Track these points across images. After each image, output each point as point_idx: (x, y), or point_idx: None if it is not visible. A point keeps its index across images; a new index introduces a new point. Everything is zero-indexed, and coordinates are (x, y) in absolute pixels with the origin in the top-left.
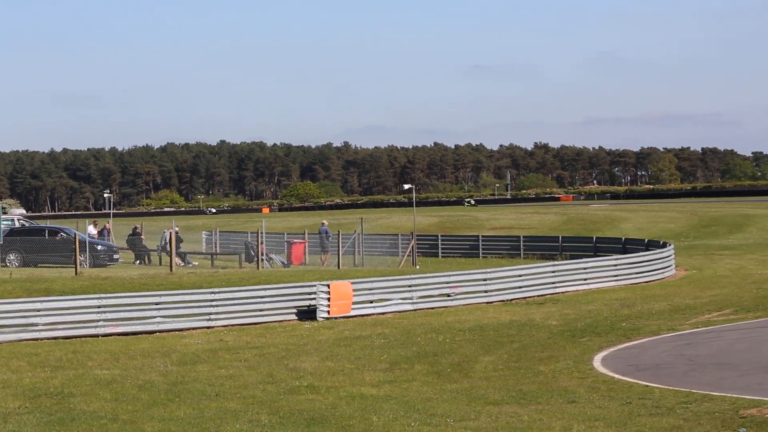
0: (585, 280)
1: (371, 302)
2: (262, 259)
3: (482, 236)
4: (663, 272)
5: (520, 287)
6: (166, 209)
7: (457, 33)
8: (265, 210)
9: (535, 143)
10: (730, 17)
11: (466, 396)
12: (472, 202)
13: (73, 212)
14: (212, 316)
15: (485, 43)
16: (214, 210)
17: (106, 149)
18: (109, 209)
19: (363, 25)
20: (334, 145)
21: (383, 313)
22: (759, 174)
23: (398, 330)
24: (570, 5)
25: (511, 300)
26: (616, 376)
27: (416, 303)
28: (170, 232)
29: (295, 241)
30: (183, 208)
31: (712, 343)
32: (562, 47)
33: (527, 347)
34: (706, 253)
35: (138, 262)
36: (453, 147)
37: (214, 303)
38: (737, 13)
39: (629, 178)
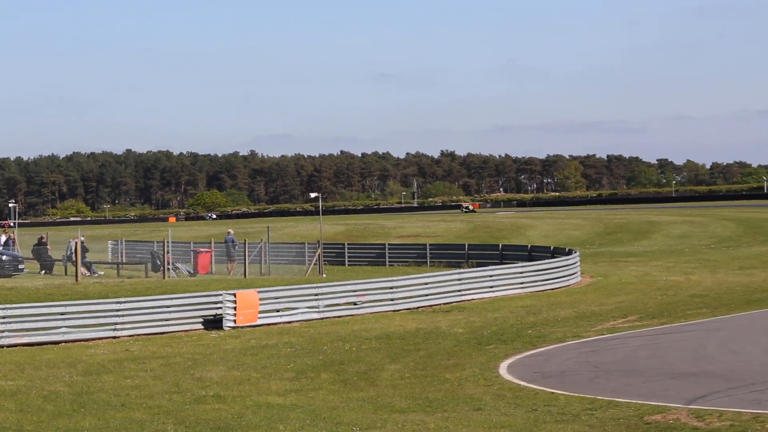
0: (491, 287)
1: (278, 311)
2: (168, 269)
3: (389, 244)
4: (568, 279)
5: (427, 295)
6: (72, 219)
7: (364, 41)
8: (172, 219)
9: (442, 151)
10: (635, 25)
11: (373, 404)
12: (470, 207)
13: None
14: (118, 326)
15: (392, 51)
16: (215, 216)
17: (11, 159)
18: (15, 219)
19: (269, 33)
20: (240, 154)
21: (290, 322)
22: (664, 181)
23: (305, 339)
24: (477, 13)
25: (418, 308)
26: (522, 383)
27: (323, 311)
28: (75, 242)
29: (202, 250)
30: (89, 218)
31: (617, 349)
32: (469, 55)
33: (433, 355)
34: (612, 260)
35: (44, 272)
36: (360, 155)
37: (119, 313)
38: (641, 22)
39: (535, 185)
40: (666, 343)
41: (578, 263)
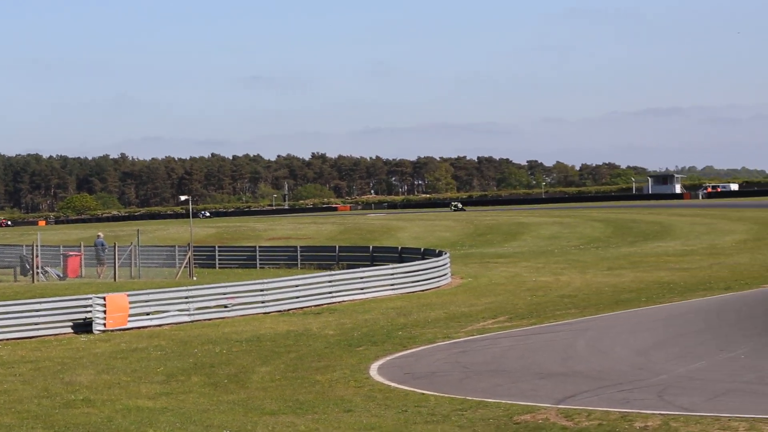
0: (362, 289)
1: (148, 314)
2: (38, 273)
3: (260, 247)
4: (439, 281)
5: (297, 297)
6: None
7: (235, 44)
8: (42, 223)
9: (313, 153)
10: (506, 28)
11: (243, 407)
12: (460, 206)
13: None
14: None
15: (264, 54)
16: (208, 213)
17: None
18: None
19: (140, 34)
20: (111, 157)
21: (160, 325)
22: (534, 182)
23: (175, 342)
24: (348, 16)
25: (289, 310)
26: (393, 384)
27: (193, 314)
28: None
29: (71, 253)
30: None
31: (487, 350)
32: (341, 58)
33: (304, 357)
34: (482, 261)
35: None
36: (231, 158)
37: None
38: (513, 25)
39: (406, 187)
40: (535, 343)
41: (448, 264)
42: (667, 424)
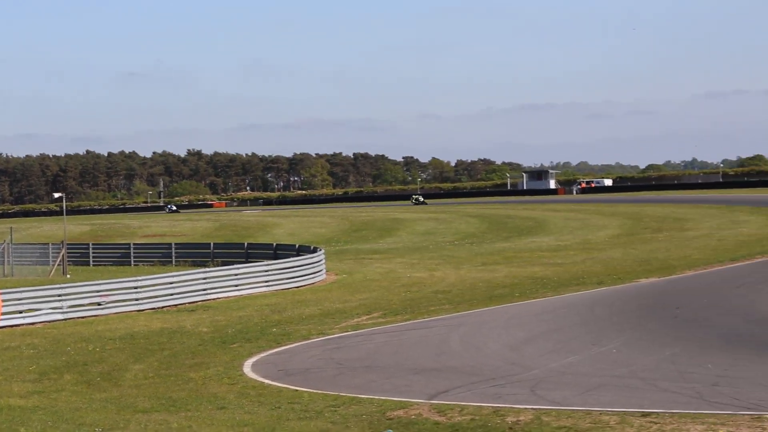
0: (236, 286)
1: (20, 312)
2: None
3: (134, 244)
4: (314, 277)
5: (172, 294)
6: None
7: (110, 40)
8: None
9: (189, 150)
10: (384, 25)
11: (116, 405)
12: (421, 199)
13: None
14: None
15: (139, 50)
16: (174, 207)
17: None
18: None
19: (13, 28)
20: None
21: (33, 324)
22: (409, 179)
23: (48, 340)
24: (224, 13)
25: (163, 307)
26: (266, 381)
27: (66, 312)
28: None
29: None
30: None
31: (361, 346)
32: (216, 54)
33: (178, 355)
34: (357, 258)
35: None
36: (106, 155)
37: None
38: (390, 21)
39: (282, 183)
40: (409, 339)
41: (323, 261)
42: (538, 418)
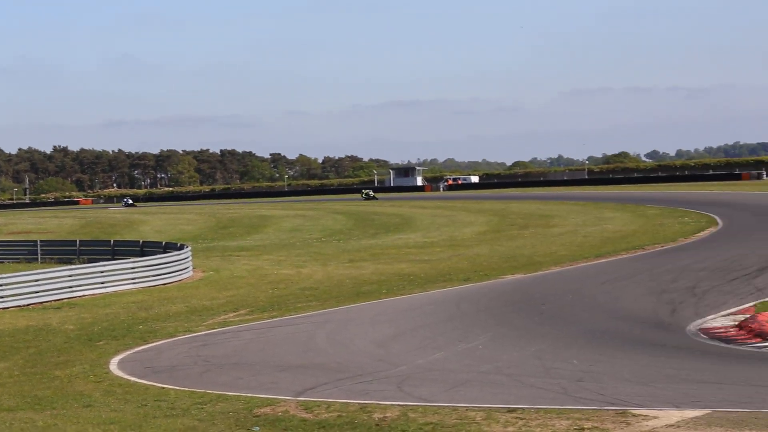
0: (103, 283)
1: None
2: None
3: None
4: (180, 274)
5: (37, 292)
6: None
7: None
8: None
9: (55, 147)
10: (249, 21)
11: None
12: (371, 194)
13: None
14: None
15: (3, 45)
16: (131, 201)
17: None
18: None
19: None
20: None
21: None
22: (277, 175)
23: None
24: (91, 7)
25: (28, 305)
26: (133, 378)
27: None
28: None
29: None
30: None
31: (228, 343)
32: (83, 50)
33: (43, 352)
34: (224, 255)
35: None
36: None
37: None
38: (257, 17)
39: (149, 180)
40: (276, 336)
41: (190, 258)
42: (405, 414)
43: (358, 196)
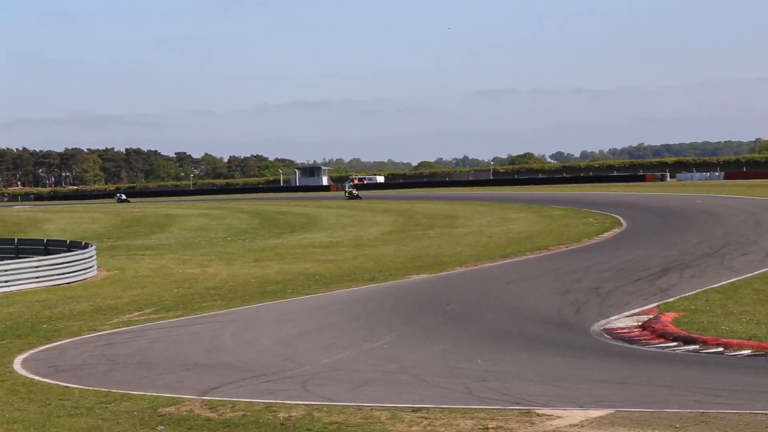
0: (6, 282)
1: None
2: None
3: None
4: (85, 273)
5: None
6: None
7: None
8: None
9: None
10: (158, 21)
11: None
12: (355, 192)
13: None
14: None
15: None
16: (124, 196)
17: None
18: None
19: None
20: None
21: None
22: (182, 174)
23: None
24: None
25: None
26: (36, 378)
27: None
28: None
29: None
30: None
31: (133, 342)
32: None
33: None
34: (129, 253)
35: None
36: None
37: None
38: (163, 17)
39: (54, 179)
40: (181, 335)
41: (94, 257)
42: (310, 414)
43: (265, 195)
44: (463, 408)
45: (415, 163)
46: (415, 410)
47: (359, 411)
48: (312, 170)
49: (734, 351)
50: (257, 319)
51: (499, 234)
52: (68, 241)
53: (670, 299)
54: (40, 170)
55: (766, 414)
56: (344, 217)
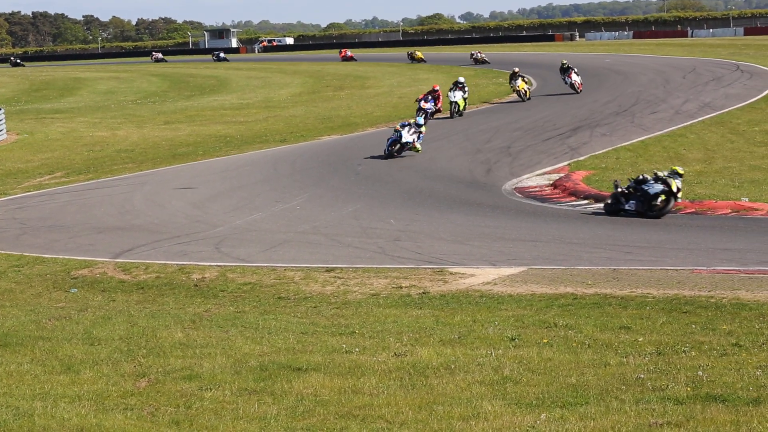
0: None
1: None
2: None
3: None
4: None
5: None
6: None
7: None
8: None
9: None
10: None
11: None
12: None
13: None
14: None
15: None
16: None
17: None
18: None
19: None
20: None
21: None
22: (90, 38)
23: None
24: None
25: None
26: None
27: None
28: None
29: None
30: None
31: (45, 206)
32: None
33: None
34: (38, 117)
35: None
36: None
37: None
38: None
39: None
40: (93, 198)
41: (3, 120)
42: (224, 275)
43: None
44: (377, 267)
45: (324, 25)
46: (329, 270)
47: (273, 271)
48: (221, 32)
49: None
50: (168, 181)
51: (409, 95)
52: None
53: (581, 158)
54: None
55: (677, 269)
56: (254, 79)
